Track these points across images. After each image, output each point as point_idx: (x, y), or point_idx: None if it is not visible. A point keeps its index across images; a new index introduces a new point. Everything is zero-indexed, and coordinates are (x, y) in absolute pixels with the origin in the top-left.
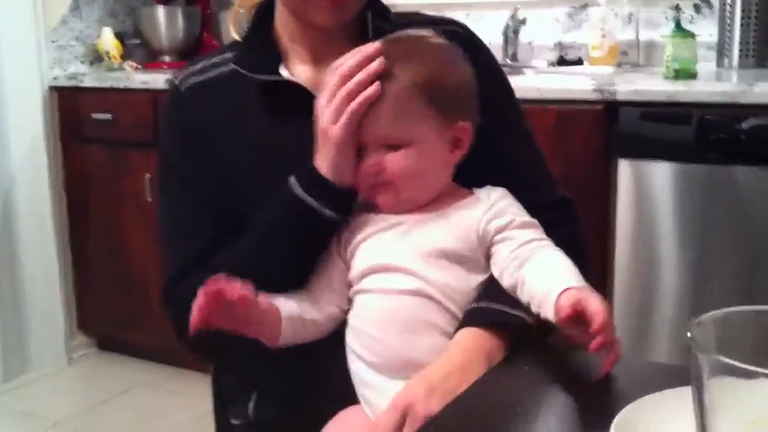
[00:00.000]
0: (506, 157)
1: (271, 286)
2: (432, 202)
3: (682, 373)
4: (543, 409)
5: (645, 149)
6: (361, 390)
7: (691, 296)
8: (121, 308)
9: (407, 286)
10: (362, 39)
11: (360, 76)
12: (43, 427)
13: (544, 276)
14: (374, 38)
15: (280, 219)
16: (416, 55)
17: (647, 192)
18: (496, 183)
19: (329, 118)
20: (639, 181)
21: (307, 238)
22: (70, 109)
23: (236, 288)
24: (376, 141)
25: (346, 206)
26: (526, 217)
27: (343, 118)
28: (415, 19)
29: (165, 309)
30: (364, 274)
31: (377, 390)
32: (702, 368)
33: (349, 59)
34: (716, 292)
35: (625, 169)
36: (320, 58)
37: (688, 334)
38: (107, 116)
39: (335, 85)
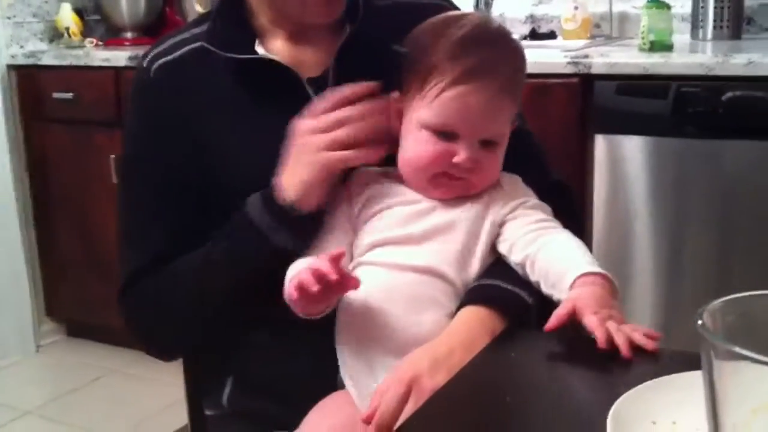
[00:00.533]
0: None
1: (206, 311)
2: None
3: (675, 359)
4: (533, 398)
5: (621, 124)
6: (350, 371)
7: (667, 271)
8: (89, 292)
9: (416, 261)
10: (348, 12)
11: (369, 107)
12: (11, 417)
13: (558, 257)
14: (365, 11)
15: (228, 242)
16: (520, 52)
17: (624, 167)
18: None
19: (326, 144)
20: (615, 156)
21: (251, 266)
22: (30, 89)
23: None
24: (481, 135)
25: (303, 235)
26: (537, 200)
27: (351, 154)
28: None
29: (119, 306)
30: (374, 245)
31: (371, 370)
32: (712, 357)
33: (355, 87)
34: (692, 267)
35: (601, 143)
36: (300, 34)
37: (698, 322)
38: (69, 95)
39: (342, 109)
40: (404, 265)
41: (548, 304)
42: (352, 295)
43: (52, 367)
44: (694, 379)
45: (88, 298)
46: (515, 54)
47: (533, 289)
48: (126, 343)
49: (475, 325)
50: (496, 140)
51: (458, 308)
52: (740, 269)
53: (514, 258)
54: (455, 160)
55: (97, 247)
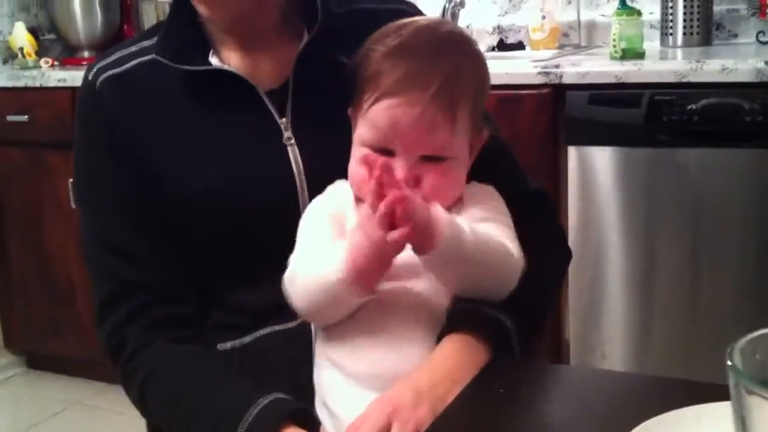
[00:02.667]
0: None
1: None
2: None
3: (684, 390)
4: None
5: (594, 134)
6: (328, 402)
7: (640, 280)
8: (47, 320)
9: (400, 288)
10: (306, 19)
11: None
12: None
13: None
14: (323, 18)
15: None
16: (475, 59)
17: (597, 177)
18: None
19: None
20: (588, 167)
21: None
22: None
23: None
24: (417, 150)
25: None
26: (488, 214)
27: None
28: None
29: (99, 334)
30: None
31: (350, 403)
32: (743, 394)
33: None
34: (665, 276)
35: (573, 154)
36: (253, 44)
37: (729, 363)
38: (23, 117)
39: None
40: (389, 294)
41: (532, 323)
42: (329, 327)
43: (12, 401)
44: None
45: (46, 328)
46: (460, 61)
47: (512, 308)
48: (87, 374)
49: (458, 355)
50: (441, 155)
51: (440, 334)
52: (712, 278)
53: None
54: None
55: (54, 274)
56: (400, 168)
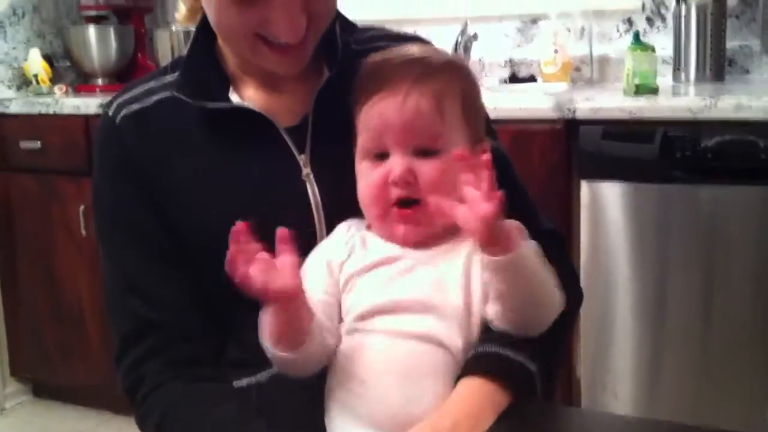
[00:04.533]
0: None
1: None
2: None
3: None
4: None
5: (607, 169)
6: None
7: (651, 316)
8: (55, 349)
9: (414, 328)
10: (326, 56)
11: None
12: None
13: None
14: (343, 55)
15: None
16: (456, 66)
17: (610, 212)
18: None
19: None
20: (601, 202)
21: None
22: None
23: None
24: (409, 141)
25: None
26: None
27: None
28: (378, 34)
29: (117, 372)
30: (366, 314)
31: None
32: None
33: None
34: (677, 315)
35: (586, 189)
36: (274, 82)
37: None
38: (36, 144)
39: None
40: (402, 333)
41: (551, 367)
42: (343, 363)
43: (17, 430)
44: None
45: (54, 356)
46: (440, 64)
47: (535, 350)
48: (94, 403)
49: (479, 398)
50: (433, 147)
51: (458, 378)
52: (724, 316)
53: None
54: (391, 177)
55: (64, 302)
56: (396, 165)
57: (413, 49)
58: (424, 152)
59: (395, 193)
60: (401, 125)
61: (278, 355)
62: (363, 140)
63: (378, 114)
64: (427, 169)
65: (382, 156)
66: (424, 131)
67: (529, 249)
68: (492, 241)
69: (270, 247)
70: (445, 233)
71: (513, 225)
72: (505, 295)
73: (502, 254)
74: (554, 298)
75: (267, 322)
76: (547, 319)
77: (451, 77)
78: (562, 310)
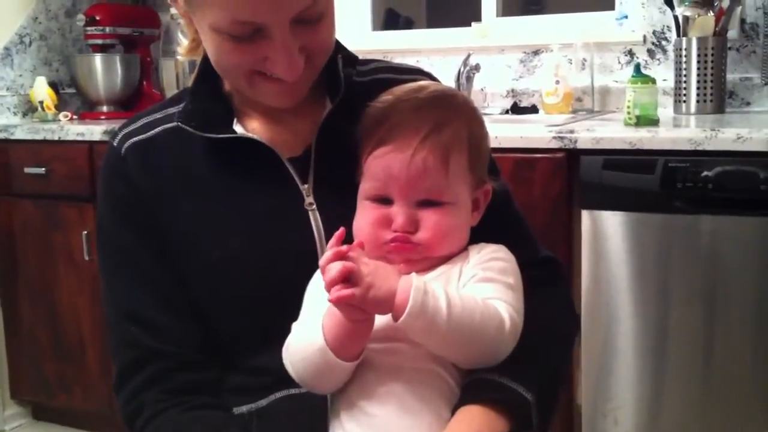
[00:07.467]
0: (487, 215)
1: None
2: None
3: None
4: None
5: (608, 199)
6: None
7: (652, 347)
8: (55, 373)
9: (413, 355)
10: (328, 88)
11: None
12: None
13: None
14: (345, 87)
15: None
16: (463, 110)
17: (611, 242)
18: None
19: None
20: (602, 232)
21: None
22: (0, 163)
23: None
24: (413, 195)
25: None
26: (491, 274)
27: None
28: (380, 66)
29: (117, 399)
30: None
31: None
32: None
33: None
34: (679, 345)
35: (587, 219)
36: (277, 113)
37: None
38: (40, 170)
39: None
40: (402, 360)
41: (549, 394)
42: (346, 390)
43: None
44: None
45: (54, 380)
46: (449, 113)
47: (531, 379)
48: (93, 428)
49: (478, 424)
50: (437, 199)
51: (455, 406)
52: (725, 346)
53: None
54: (393, 226)
55: (64, 326)
56: (399, 214)
57: (421, 93)
58: (428, 203)
59: (392, 235)
60: (407, 181)
61: (333, 361)
62: (367, 186)
63: (384, 167)
64: (429, 220)
65: (384, 201)
66: (430, 187)
67: (427, 299)
68: (358, 315)
69: (270, 277)
70: (439, 261)
71: (398, 286)
72: (433, 348)
73: (395, 319)
74: (496, 335)
75: (338, 327)
76: (495, 354)
77: (459, 125)
78: (516, 338)
